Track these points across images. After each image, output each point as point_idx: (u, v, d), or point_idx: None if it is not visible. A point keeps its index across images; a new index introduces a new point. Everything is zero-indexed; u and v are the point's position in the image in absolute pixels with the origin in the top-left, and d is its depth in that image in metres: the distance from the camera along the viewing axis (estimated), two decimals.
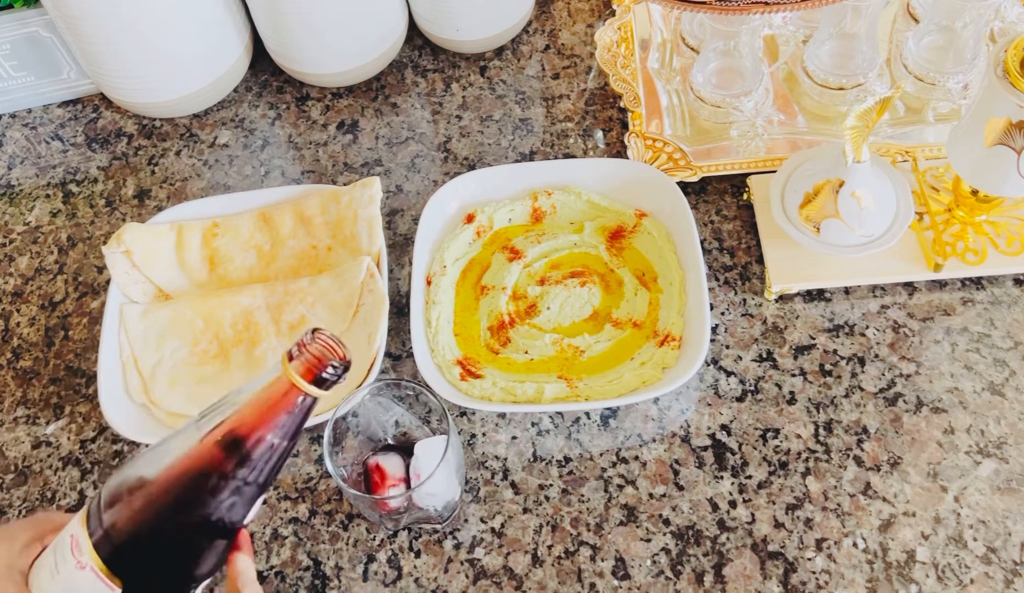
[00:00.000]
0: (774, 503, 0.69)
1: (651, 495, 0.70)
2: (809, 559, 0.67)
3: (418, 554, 0.69)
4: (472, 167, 0.90)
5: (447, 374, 0.74)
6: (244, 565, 0.52)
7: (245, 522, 0.51)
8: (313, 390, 0.48)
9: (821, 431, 0.72)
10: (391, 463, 0.67)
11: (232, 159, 0.94)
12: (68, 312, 0.85)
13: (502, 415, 0.75)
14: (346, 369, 0.49)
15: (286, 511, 0.72)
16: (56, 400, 0.80)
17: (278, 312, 0.78)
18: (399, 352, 0.79)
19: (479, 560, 0.69)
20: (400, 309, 0.81)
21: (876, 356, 0.75)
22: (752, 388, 0.74)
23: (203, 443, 0.48)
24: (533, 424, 0.74)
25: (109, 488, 0.48)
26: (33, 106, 1.00)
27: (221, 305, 0.78)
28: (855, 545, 0.67)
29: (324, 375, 0.48)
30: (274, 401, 0.48)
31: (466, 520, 0.70)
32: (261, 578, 0.69)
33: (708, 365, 0.76)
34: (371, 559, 0.69)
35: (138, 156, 0.95)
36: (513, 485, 0.72)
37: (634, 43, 0.94)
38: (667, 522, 0.69)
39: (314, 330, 0.49)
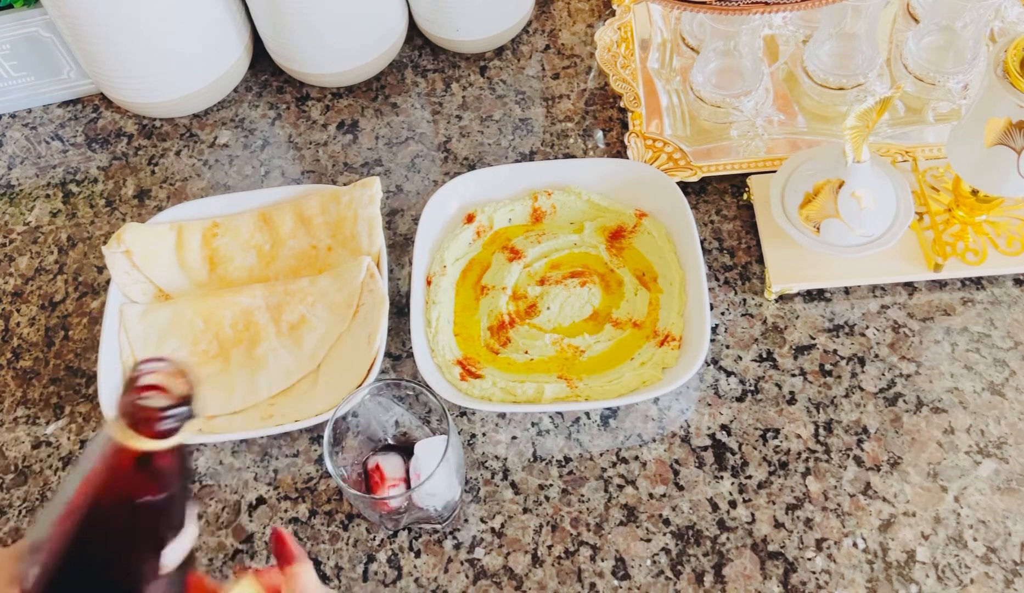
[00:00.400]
0: (774, 503, 0.69)
1: (651, 495, 0.70)
2: (809, 559, 0.67)
3: (418, 554, 0.69)
4: (472, 167, 0.90)
5: (447, 374, 0.74)
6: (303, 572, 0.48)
7: (165, 569, 0.43)
8: (152, 446, 0.39)
9: (821, 431, 0.72)
10: (391, 463, 0.67)
11: (232, 159, 0.94)
12: (68, 312, 0.85)
13: (502, 415, 0.75)
14: (186, 405, 0.40)
15: (286, 511, 0.72)
16: (56, 400, 0.80)
17: (278, 312, 0.78)
18: (399, 352, 0.79)
19: (479, 560, 0.69)
20: (400, 309, 0.81)
21: (876, 356, 0.75)
22: (752, 388, 0.74)
23: (69, 512, 0.41)
24: (533, 424, 0.74)
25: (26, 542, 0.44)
26: (33, 106, 1.00)
27: (221, 305, 0.78)
28: (855, 545, 0.67)
29: (160, 427, 0.39)
30: (116, 466, 0.40)
31: (466, 520, 0.70)
32: None
33: (708, 365, 0.76)
34: (371, 559, 0.69)
35: (138, 156, 0.95)
36: (513, 485, 0.72)
37: (634, 43, 0.94)
38: (667, 522, 0.69)
39: (138, 365, 0.40)
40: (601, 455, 0.73)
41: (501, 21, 0.95)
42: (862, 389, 0.74)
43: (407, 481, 0.66)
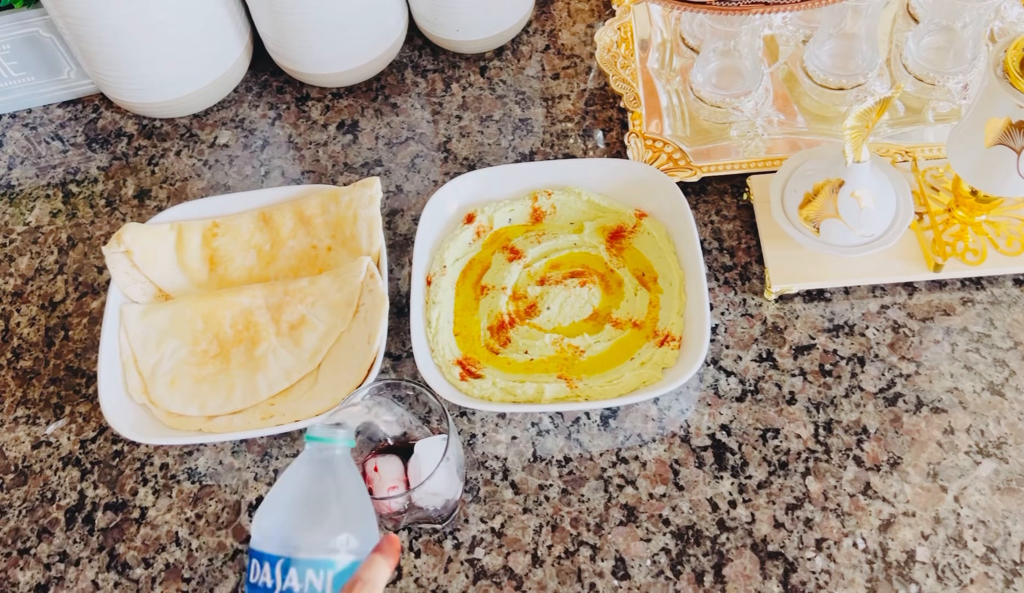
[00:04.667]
0: (774, 503, 0.69)
1: (651, 495, 0.70)
2: (809, 559, 0.67)
3: (418, 554, 0.69)
4: (472, 167, 0.90)
5: (447, 374, 0.74)
6: (375, 573, 0.49)
7: None
8: None
9: (821, 431, 0.72)
10: (390, 464, 0.67)
11: (232, 159, 0.94)
12: (68, 312, 0.85)
13: (502, 415, 0.75)
14: None
15: None
16: (56, 400, 0.80)
17: (278, 312, 0.78)
18: (399, 352, 0.79)
19: (479, 560, 0.69)
20: (400, 309, 0.81)
21: (876, 356, 0.75)
22: (752, 388, 0.74)
23: None
24: (533, 424, 0.75)
25: None
26: (33, 106, 1.01)
27: (221, 305, 0.78)
28: (855, 545, 0.67)
29: None
30: None
31: (466, 520, 0.70)
32: None
33: (708, 365, 0.76)
34: None
35: (138, 156, 0.95)
36: (513, 485, 0.72)
37: (634, 43, 0.94)
38: (667, 522, 0.69)
39: None
40: (601, 455, 0.73)
41: (501, 21, 0.95)
42: (862, 389, 0.74)
43: (407, 482, 0.66)
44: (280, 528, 0.51)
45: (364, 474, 0.68)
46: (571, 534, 0.69)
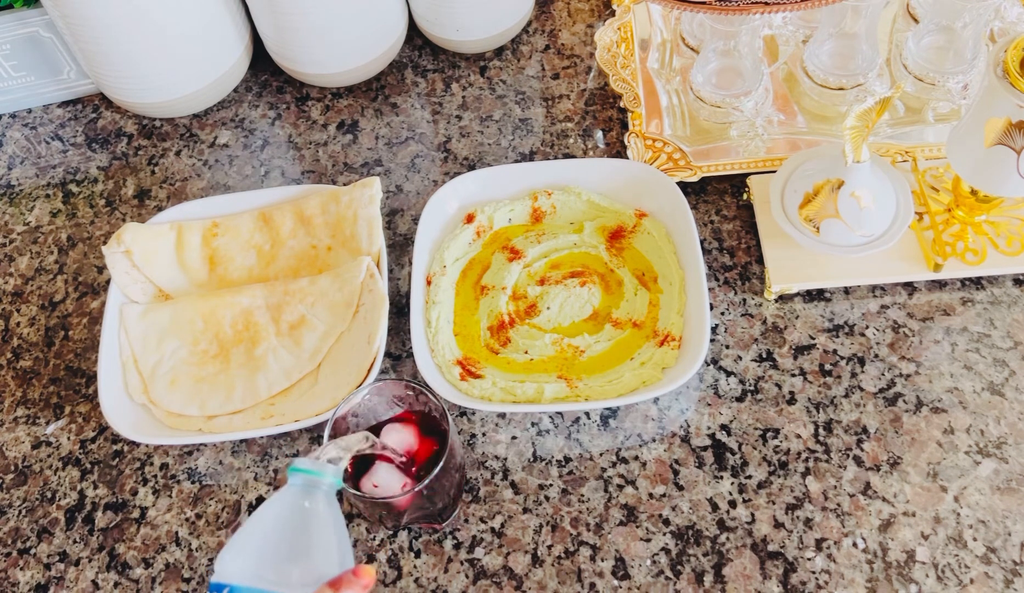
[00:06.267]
0: (774, 503, 0.69)
1: (651, 495, 0.70)
2: (809, 559, 0.67)
3: (418, 554, 0.69)
4: (472, 167, 0.90)
5: (447, 374, 0.74)
6: None
7: None
8: None
9: (821, 431, 0.72)
10: (385, 471, 0.66)
11: (232, 159, 0.94)
12: (68, 312, 0.85)
13: (502, 415, 0.75)
14: None
15: None
16: (56, 400, 0.80)
17: (278, 312, 0.78)
18: (399, 352, 0.79)
19: (479, 560, 0.69)
20: (400, 309, 0.81)
21: (876, 356, 0.75)
22: (752, 388, 0.74)
23: None
24: (533, 424, 0.75)
25: None
26: (33, 106, 1.01)
27: (221, 305, 0.78)
28: (855, 545, 0.67)
29: None
30: None
31: (466, 520, 0.70)
32: None
33: (708, 365, 0.76)
34: (371, 559, 0.69)
35: (138, 156, 0.95)
36: (513, 485, 0.72)
37: (634, 43, 0.94)
38: (667, 522, 0.69)
39: None
40: (601, 455, 0.73)
41: (501, 21, 0.95)
42: (862, 389, 0.74)
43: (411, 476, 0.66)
44: (235, 561, 0.50)
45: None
46: (571, 534, 0.69)
